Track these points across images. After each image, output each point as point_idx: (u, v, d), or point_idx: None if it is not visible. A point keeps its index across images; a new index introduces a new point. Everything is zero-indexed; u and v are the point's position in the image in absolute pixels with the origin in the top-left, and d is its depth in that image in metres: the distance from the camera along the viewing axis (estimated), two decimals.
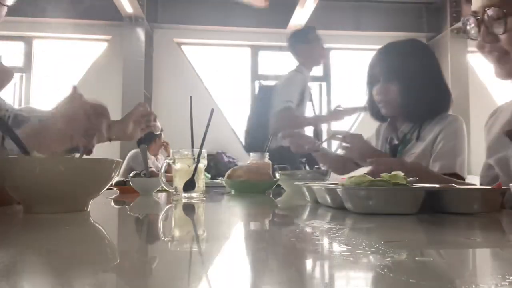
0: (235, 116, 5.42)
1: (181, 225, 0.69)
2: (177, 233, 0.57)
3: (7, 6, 0.77)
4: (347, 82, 5.31)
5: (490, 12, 0.84)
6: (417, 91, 1.41)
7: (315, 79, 5.58)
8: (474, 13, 0.89)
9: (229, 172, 1.44)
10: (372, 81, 1.51)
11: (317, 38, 2.72)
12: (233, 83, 5.50)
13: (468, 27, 0.90)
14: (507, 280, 0.29)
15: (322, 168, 1.50)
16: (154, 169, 3.08)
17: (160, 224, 0.68)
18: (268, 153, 1.61)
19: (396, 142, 1.50)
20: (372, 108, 1.56)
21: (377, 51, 1.52)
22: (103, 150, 0.95)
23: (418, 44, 1.55)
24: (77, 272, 0.32)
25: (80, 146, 0.94)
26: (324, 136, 2.83)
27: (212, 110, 1.06)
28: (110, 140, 1.28)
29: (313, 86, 2.71)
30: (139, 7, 4.68)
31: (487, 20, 0.85)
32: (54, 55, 5.20)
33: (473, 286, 0.28)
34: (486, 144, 1.14)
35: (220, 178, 1.71)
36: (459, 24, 4.94)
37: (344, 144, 1.39)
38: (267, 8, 4.60)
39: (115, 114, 1.34)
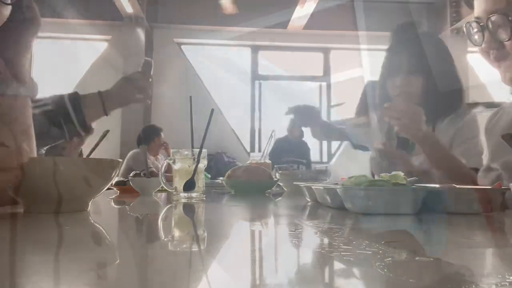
0: (235, 116, 5.43)
1: (181, 225, 0.69)
2: (177, 233, 0.57)
3: (10, 4, 0.76)
4: (347, 81, 5.31)
5: (494, 18, 0.83)
6: (439, 85, 1.37)
7: (315, 79, 5.60)
8: (477, 19, 0.88)
9: (229, 172, 1.44)
10: (389, 73, 1.45)
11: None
12: (233, 83, 5.50)
13: (471, 32, 0.90)
14: (507, 280, 0.29)
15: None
16: (154, 169, 3.07)
17: (160, 224, 0.68)
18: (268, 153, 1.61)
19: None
20: (383, 103, 1.52)
21: (392, 43, 1.48)
22: (103, 150, 0.95)
23: (436, 38, 1.54)
24: (77, 272, 0.32)
25: None
26: None
27: (212, 110, 1.06)
28: (106, 114, 1.27)
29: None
30: (139, 7, 4.68)
31: (492, 26, 0.85)
32: (54, 55, 5.20)
33: (473, 286, 0.28)
34: (489, 147, 1.13)
35: (220, 178, 1.71)
36: (459, 24, 4.94)
37: (395, 116, 1.24)
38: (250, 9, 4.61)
39: (115, 114, 1.35)
